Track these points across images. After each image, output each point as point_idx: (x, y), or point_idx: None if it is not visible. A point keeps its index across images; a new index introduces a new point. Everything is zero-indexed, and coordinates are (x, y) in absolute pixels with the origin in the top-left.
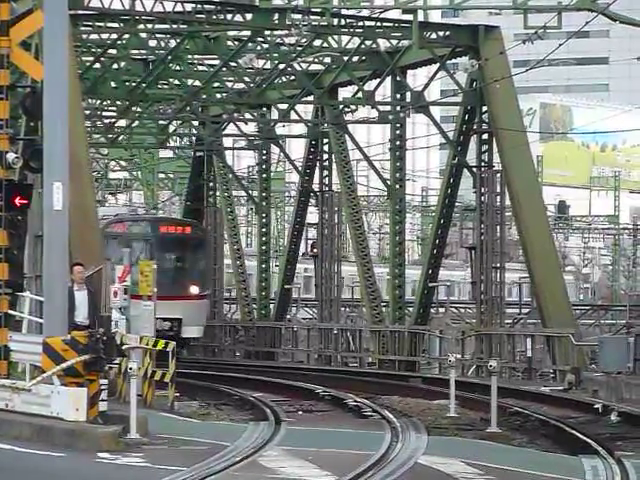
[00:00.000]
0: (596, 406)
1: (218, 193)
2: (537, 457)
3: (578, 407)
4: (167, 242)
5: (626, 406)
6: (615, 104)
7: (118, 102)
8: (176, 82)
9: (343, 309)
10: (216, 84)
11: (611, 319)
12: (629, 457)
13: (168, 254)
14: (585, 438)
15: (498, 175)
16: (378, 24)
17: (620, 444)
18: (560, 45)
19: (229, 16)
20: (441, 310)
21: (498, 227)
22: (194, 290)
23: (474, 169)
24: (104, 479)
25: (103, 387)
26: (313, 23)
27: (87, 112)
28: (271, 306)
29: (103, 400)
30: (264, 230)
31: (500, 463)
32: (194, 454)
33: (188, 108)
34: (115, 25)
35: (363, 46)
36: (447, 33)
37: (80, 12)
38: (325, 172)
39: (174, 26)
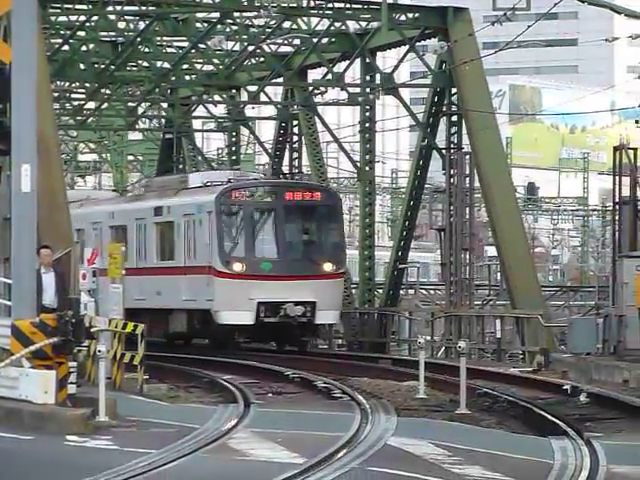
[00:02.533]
0: (565, 387)
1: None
2: (506, 438)
3: (547, 388)
4: (295, 211)
5: (595, 387)
6: (584, 86)
7: (87, 84)
8: (145, 64)
9: None
10: (185, 66)
11: (580, 300)
12: (598, 438)
13: (296, 225)
14: (554, 419)
15: (467, 157)
16: (347, 6)
17: (589, 425)
18: (529, 27)
19: None
20: (411, 292)
21: (467, 209)
22: (328, 267)
23: (443, 151)
24: (73, 462)
25: (72, 370)
26: (282, 5)
27: (56, 94)
28: None
29: (72, 383)
30: None
31: (469, 444)
32: (163, 436)
33: (157, 90)
34: (84, 7)
35: (332, 28)
36: (416, 15)
37: None
38: (295, 154)
39: (143, 8)
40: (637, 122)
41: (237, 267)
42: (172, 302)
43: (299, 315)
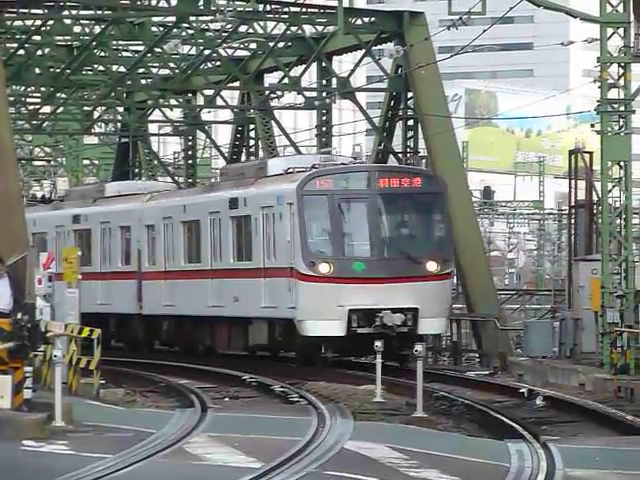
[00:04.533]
0: (521, 390)
1: (143, 179)
2: (463, 442)
3: (504, 391)
4: (391, 201)
5: (551, 390)
6: (540, 89)
7: (42, 88)
8: (101, 68)
9: None
10: (141, 70)
11: (536, 304)
12: (554, 441)
13: (393, 217)
14: (511, 422)
15: (424, 161)
16: (303, 10)
17: (545, 428)
18: (485, 31)
19: (154, 2)
20: None
21: None
22: (433, 267)
23: (400, 155)
24: (29, 467)
25: (28, 375)
26: (238, 9)
27: (11, 99)
28: None
29: (28, 388)
30: None
31: (426, 448)
32: (119, 441)
33: (113, 94)
34: (39, 11)
35: (289, 32)
36: (372, 19)
37: None
38: (252, 158)
39: (99, 12)
40: (593, 126)
41: (324, 269)
42: (251, 310)
43: (398, 324)
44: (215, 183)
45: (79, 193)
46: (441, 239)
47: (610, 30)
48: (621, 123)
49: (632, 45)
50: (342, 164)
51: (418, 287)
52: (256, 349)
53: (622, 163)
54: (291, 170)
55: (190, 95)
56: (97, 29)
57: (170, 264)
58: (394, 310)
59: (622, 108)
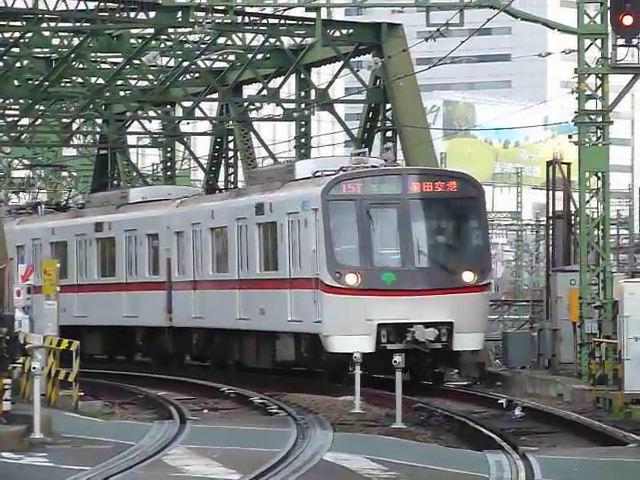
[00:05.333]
0: (500, 401)
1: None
2: (442, 452)
3: (482, 402)
4: (424, 206)
5: (530, 401)
6: (518, 101)
7: (21, 100)
8: (79, 80)
9: None
10: (120, 82)
11: (514, 314)
12: (533, 452)
13: (426, 224)
14: (489, 433)
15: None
16: (282, 22)
17: (524, 439)
18: (462, 42)
19: (132, 14)
20: None
21: None
22: (469, 277)
23: None
24: (8, 479)
25: (7, 387)
26: (217, 21)
27: None
28: None
29: (7, 400)
30: None
31: (405, 459)
32: (98, 453)
33: (91, 106)
34: (18, 24)
35: (267, 44)
36: (350, 31)
37: None
38: (230, 169)
39: (77, 24)
40: (570, 137)
41: (350, 279)
42: (277, 323)
43: (431, 340)
44: (242, 188)
45: (101, 199)
46: (478, 247)
47: (588, 41)
48: (599, 134)
49: (610, 56)
50: (372, 167)
51: (453, 299)
52: (283, 365)
53: (600, 174)
54: (319, 173)
55: (169, 107)
56: (76, 41)
57: (199, 273)
58: (427, 324)
59: (600, 119)
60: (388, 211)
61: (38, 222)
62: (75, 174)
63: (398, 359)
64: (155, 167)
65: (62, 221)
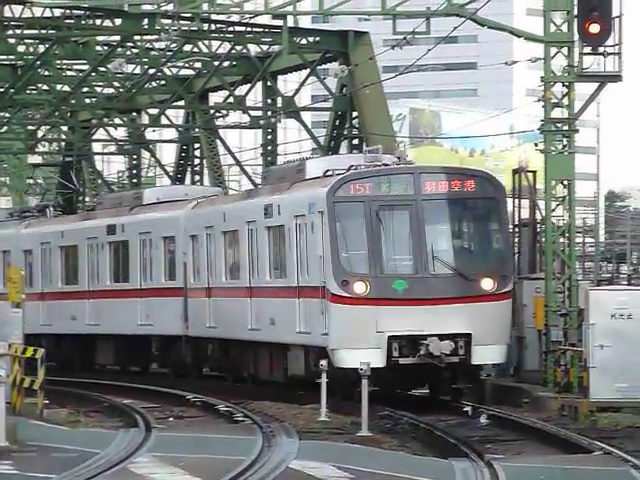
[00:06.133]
0: (466, 409)
1: (87, 199)
2: (408, 460)
3: (448, 410)
4: (438, 207)
5: (496, 409)
6: (484, 109)
7: None
8: (45, 87)
9: None
10: (85, 89)
11: None
12: (499, 460)
13: (442, 227)
14: (455, 441)
15: None
16: (248, 29)
17: (490, 447)
18: (429, 50)
19: (98, 21)
20: None
21: None
22: (489, 285)
23: None
24: None
25: None
26: (183, 28)
27: None
28: None
29: None
30: None
31: (371, 467)
32: (63, 461)
33: (57, 113)
34: None
35: (234, 51)
36: (317, 39)
37: None
38: (197, 177)
39: (43, 31)
40: (536, 145)
41: (359, 288)
42: (287, 335)
43: (447, 354)
44: (254, 189)
45: (113, 201)
46: (499, 252)
47: (554, 49)
48: (565, 142)
49: (576, 64)
50: (383, 165)
51: (471, 309)
52: (294, 380)
53: (566, 182)
54: (330, 172)
55: (135, 114)
56: (41, 48)
57: (213, 280)
58: (442, 336)
59: (566, 127)
60: (400, 213)
61: (47, 225)
62: (40, 181)
63: (364, 366)
64: (120, 175)
65: (72, 224)
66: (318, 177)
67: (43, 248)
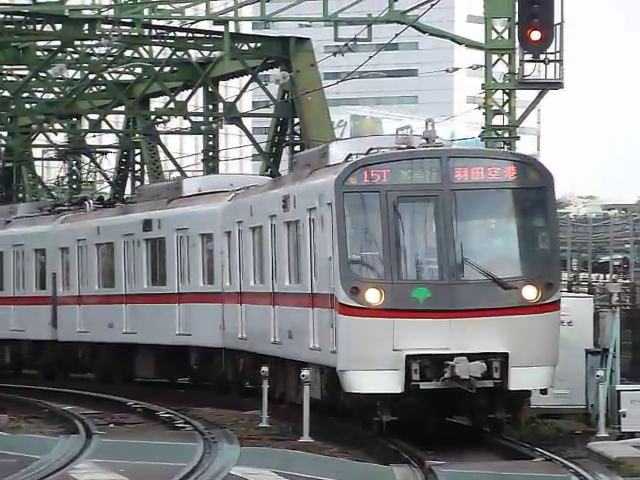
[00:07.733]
0: None
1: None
2: (349, 466)
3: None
4: (470, 199)
5: None
6: (424, 116)
7: None
8: None
9: None
10: (25, 94)
11: None
12: (439, 466)
13: (472, 223)
14: (396, 447)
15: None
16: (189, 35)
17: (431, 453)
18: (370, 57)
19: (39, 26)
20: None
21: None
22: (531, 293)
23: None
24: None
25: None
26: (124, 33)
27: None
28: None
29: None
30: None
31: (312, 473)
32: (3, 467)
33: None
34: None
35: (175, 57)
36: (258, 45)
37: None
38: (137, 182)
39: None
40: None
41: (372, 297)
42: (301, 351)
43: (478, 377)
44: (281, 178)
45: (151, 192)
46: (544, 254)
47: (495, 57)
48: (505, 149)
49: (517, 72)
50: (408, 147)
51: (509, 323)
52: (313, 405)
53: None
54: (354, 157)
55: (75, 119)
56: None
57: (244, 283)
58: (472, 356)
59: (506, 134)
60: (423, 206)
61: (84, 220)
62: None
63: (305, 372)
64: (60, 180)
65: (109, 219)
66: (338, 163)
67: (79, 245)
